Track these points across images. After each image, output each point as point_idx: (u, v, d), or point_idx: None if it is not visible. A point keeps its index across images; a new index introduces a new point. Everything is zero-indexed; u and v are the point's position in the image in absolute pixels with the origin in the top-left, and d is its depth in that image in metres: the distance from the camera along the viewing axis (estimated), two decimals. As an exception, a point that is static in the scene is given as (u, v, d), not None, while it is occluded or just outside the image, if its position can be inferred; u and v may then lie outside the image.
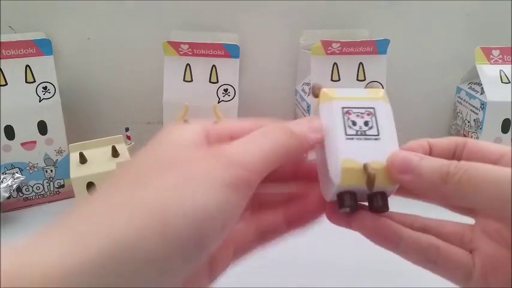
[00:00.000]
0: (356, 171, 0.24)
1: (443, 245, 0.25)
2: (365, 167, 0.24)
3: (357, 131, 0.26)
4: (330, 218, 0.27)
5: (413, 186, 0.23)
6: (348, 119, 0.26)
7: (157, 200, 0.19)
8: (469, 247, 0.25)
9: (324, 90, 0.27)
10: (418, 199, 0.28)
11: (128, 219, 0.18)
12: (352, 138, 0.25)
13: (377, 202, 0.25)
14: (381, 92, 0.28)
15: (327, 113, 0.26)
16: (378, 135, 0.26)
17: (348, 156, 0.25)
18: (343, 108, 0.27)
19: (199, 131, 0.23)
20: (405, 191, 0.25)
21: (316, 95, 0.28)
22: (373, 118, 0.27)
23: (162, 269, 0.18)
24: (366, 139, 0.26)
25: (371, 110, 0.27)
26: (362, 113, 0.27)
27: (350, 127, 0.26)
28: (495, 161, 0.23)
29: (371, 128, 0.26)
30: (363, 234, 0.26)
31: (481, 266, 0.24)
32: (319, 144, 0.27)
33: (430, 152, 0.26)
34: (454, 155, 0.25)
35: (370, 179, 0.24)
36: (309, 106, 0.48)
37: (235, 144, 0.22)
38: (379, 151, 0.25)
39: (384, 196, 0.25)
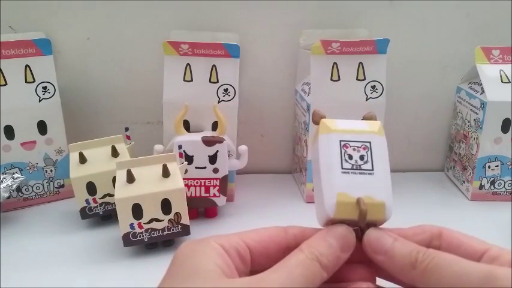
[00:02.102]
0: (349, 205, 0.26)
1: None
2: (358, 201, 0.25)
3: (353, 165, 0.27)
4: None
5: (385, 267, 0.25)
6: (345, 152, 0.27)
7: None
8: None
9: (324, 120, 0.28)
10: (389, 280, 0.28)
11: None
12: (348, 172, 0.27)
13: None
14: (377, 125, 0.29)
15: (326, 145, 0.27)
16: (372, 169, 0.27)
17: (343, 191, 0.26)
18: (341, 141, 0.28)
19: (220, 252, 0.24)
20: (377, 270, 0.27)
21: (316, 122, 0.29)
22: (369, 152, 0.27)
23: None
24: (360, 173, 0.27)
25: (367, 144, 0.28)
26: (358, 147, 0.28)
27: (346, 161, 0.27)
28: (477, 259, 0.24)
29: (366, 162, 0.27)
30: None
31: None
32: (316, 173, 0.28)
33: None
34: (430, 246, 0.26)
35: (361, 214, 0.25)
36: (308, 106, 0.48)
37: (272, 278, 0.22)
38: (372, 186, 0.26)
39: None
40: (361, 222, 0.26)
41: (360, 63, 0.47)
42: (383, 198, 0.26)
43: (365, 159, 0.27)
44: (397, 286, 0.27)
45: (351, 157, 0.27)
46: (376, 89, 0.48)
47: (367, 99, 0.48)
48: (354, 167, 0.27)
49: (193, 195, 0.46)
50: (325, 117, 0.29)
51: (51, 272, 0.39)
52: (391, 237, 0.25)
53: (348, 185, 0.26)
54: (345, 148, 0.28)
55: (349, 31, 0.52)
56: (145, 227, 0.40)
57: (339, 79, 0.47)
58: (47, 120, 0.49)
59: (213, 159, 0.45)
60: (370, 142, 0.28)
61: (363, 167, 0.27)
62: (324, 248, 0.24)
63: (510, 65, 0.51)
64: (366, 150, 0.28)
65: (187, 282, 0.22)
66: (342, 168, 0.27)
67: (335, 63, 0.47)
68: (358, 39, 0.47)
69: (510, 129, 0.50)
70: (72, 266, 0.40)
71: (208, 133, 0.47)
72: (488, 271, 0.22)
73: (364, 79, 0.48)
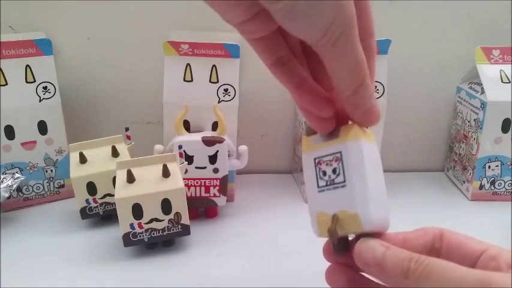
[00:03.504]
0: (328, 223, 0.26)
1: None
2: (332, 218, 0.26)
3: (327, 181, 0.27)
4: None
5: (378, 277, 0.25)
6: (320, 170, 0.27)
7: None
8: None
9: (303, 139, 0.28)
10: None
11: None
12: (324, 190, 0.27)
13: (340, 245, 0.27)
14: (351, 129, 0.26)
15: (305, 165, 0.28)
16: (344, 181, 0.26)
17: (321, 210, 0.27)
18: (315, 159, 0.27)
19: None
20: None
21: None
22: (340, 164, 0.26)
23: None
24: (334, 188, 0.26)
25: (338, 155, 0.27)
26: (330, 161, 0.27)
27: (321, 178, 0.27)
28: (475, 259, 0.24)
29: (338, 175, 0.26)
30: None
31: None
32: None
33: (405, 246, 0.26)
34: (433, 248, 0.26)
35: (330, 233, 0.26)
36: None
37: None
38: (345, 199, 0.26)
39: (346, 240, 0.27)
40: (331, 238, 0.26)
41: (360, 63, 0.47)
42: (356, 210, 0.25)
43: (337, 171, 0.26)
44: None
45: (324, 173, 0.27)
46: (377, 89, 0.48)
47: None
48: (328, 183, 0.26)
49: (193, 195, 0.46)
50: (315, 133, 0.28)
51: (51, 272, 0.39)
52: (382, 246, 0.24)
53: (324, 203, 0.26)
54: (319, 166, 0.27)
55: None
56: (146, 227, 0.40)
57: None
58: (47, 120, 0.49)
59: (213, 159, 0.45)
60: (340, 152, 0.26)
61: (335, 180, 0.26)
62: None
63: (510, 65, 0.51)
64: (337, 162, 0.26)
65: None
66: (318, 187, 0.27)
67: (335, 63, 0.47)
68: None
69: (510, 129, 0.50)
70: (72, 266, 0.40)
71: (209, 133, 0.47)
72: (483, 278, 0.21)
73: (364, 79, 0.48)
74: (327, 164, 0.27)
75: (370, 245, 0.25)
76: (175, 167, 0.41)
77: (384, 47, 0.47)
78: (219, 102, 0.48)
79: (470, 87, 0.54)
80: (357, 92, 0.23)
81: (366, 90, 0.24)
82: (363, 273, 0.28)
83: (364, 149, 0.26)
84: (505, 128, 0.50)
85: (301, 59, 0.27)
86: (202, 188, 0.46)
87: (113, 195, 0.39)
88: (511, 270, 0.23)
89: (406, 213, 0.41)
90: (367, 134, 0.27)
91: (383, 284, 0.26)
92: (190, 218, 0.41)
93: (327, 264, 0.37)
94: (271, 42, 0.26)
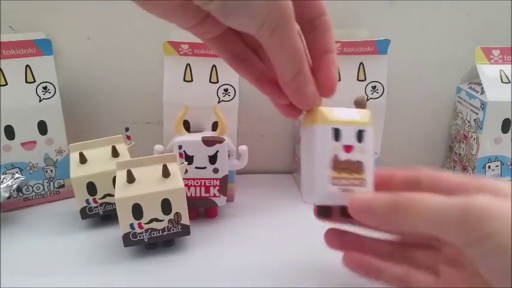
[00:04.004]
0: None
1: (414, 273, 0.30)
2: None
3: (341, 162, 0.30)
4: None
5: (371, 223, 0.27)
6: (336, 148, 0.30)
7: None
8: (434, 271, 0.29)
9: (321, 109, 0.30)
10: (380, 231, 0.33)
11: None
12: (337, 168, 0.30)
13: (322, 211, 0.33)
14: (367, 115, 0.31)
15: (321, 136, 0.30)
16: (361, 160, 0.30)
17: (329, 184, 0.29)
18: (334, 131, 0.30)
19: None
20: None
21: (361, 106, 0.32)
22: (358, 145, 0.30)
23: None
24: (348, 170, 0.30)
25: (359, 135, 0.30)
26: (351, 138, 0.30)
27: (338, 158, 0.30)
28: (453, 192, 0.26)
29: (354, 154, 0.30)
30: (351, 270, 0.33)
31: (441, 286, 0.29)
32: (308, 158, 0.31)
33: (391, 183, 0.30)
34: (414, 185, 0.29)
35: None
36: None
37: None
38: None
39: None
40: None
41: (361, 63, 0.47)
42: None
43: (353, 151, 0.30)
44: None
45: (343, 149, 0.30)
46: (377, 89, 0.48)
47: (367, 100, 0.48)
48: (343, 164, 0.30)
49: (193, 195, 0.46)
50: (365, 101, 0.32)
51: (51, 272, 0.39)
52: (370, 195, 0.28)
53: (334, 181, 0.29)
54: (336, 142, 0.30)
55: (350, 31, 0.52)
56: (146, 227, 0.40)
57: (339, 79, 0.47)
58: (47, 120, 0.49)
59: (213, 159, 0.45)
60: (364, 130, 0.30)
61: (352, 158, 0.30)
62: None
63: (510, 65, 0.51)
64: (357, 143, 0.30)
65: None
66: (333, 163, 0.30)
67: (335, 63, 0.47)
68: (358, 39, 0.47)
69: (510, 129, 0.50)
70: (72, 266, 0.40)
71: (208, 133, 0.47)
72: (463, 202, 0.24)
73: (365, 79, 0.48)
74: (345, 143, 0.30)
75: (358, 194, 0.28)
76: (175, 167, 0.41)
77: (383, 47, 0.47)
78: (219, 102, 0.48)
79: (470, 87, 0.54)
80: (295, 78, 0.26)
81: (304, 76, 0.26)
82: (353, 234, 0.33)
83: (302, 136, 0.31)
84: (505, 128, 0.50)
85: (260, 51, 0.29)
86: (202, 188, 0.46)
87: (113, 195, 0.39)
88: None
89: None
90: (319, 118, 0.30)
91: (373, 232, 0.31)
92: (190, 218, 0.41)
93: (327, 263, 0.38)
94: (225, 41, 0.28)
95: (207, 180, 0.46)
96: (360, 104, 0.33)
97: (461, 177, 0.28)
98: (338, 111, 0.30)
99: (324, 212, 0.34)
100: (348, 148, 0.30)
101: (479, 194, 0.24)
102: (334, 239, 0.34)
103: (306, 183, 0.32)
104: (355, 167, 0.30)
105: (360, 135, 0.31)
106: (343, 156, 0.30)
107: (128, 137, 0.48)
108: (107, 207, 0.46)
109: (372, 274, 0.32)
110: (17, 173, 0.48)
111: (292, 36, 0.24)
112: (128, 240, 0.40)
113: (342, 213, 0.31)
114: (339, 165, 0.30)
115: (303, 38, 0.27)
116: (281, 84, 0.27)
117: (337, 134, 0.30)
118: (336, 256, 0.41)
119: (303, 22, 0.27)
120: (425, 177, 0.29)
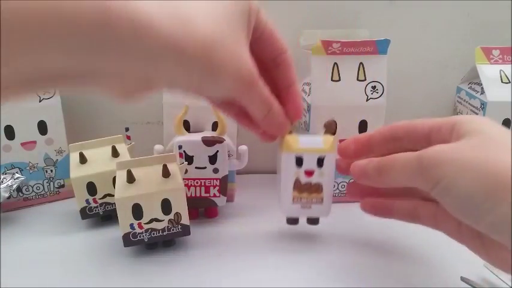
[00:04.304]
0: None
1: (421, 204, 0.34)
2: None
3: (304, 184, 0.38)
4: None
5: (367, 183, 0.34)
6: (298, 173, 0.38)
7: None
8: (435, 200, 0.31)
9: (287, 139, 0.37)
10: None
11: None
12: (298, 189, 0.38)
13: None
14: (330, 141, 0.37)
15: (286, 162, 0.37)
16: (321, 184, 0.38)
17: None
18: (296, 159, 0.37)
19: None
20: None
21: (331, 130, 0.38)
22: (319, 169, 0.38)
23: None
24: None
25: (320, 161, 0.38)
26: (312, 164, 0.37)
27: (299, 181, 0.38)
28: (427, 136, 0.32)
29: (314, 178, 0.38)
30: (368, 212, 0.38)
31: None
32: (279, 177, 0.39)
33: (371, 140, 0.36)
34: (395, 138, 0.35)
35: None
36: (309, 106, 0.48)
37: None
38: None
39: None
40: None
41: (361, 63, 0.47)
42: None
43: (315, 176, 0.38)
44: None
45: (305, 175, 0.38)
46: (377, 89, 0.48)
47: (367, 100, 0.48)
48: (305, 187, 0.38)
49: (193, 195, 0.46)
50: (335, 126, 0.38)
51: (51, 272, 0.39)
52: (364, 161, 0.34)
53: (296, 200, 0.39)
54: (299, 166, 0.37)
55: (350, 31, 0.52)
56: (146, 227, 0.40)
57: (339, 79, 0.47)
58: (47, 120, 0.49)
59: (213, 159, 0.45)
60: (324, 157, 0.37)
61: (313, 183, 0.38)
62: None
63: (510, 65, 0.51)
64: (318, 168, 0.37)
65: None
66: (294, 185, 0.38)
67: (335, 63, 0.47)
68: (358, 39, 0.47)
69: (510, 129, 0.50)
70: (72, 266, 0.40)
71: (208, 133, 0.47)
72: (419, 154, 0.29)
73: (365, 79, 0.48)
74: (306, 170, 0.38)
75: (356, 163, 0.35)
76: (175, 167, 0.41)
77: (382, 47, 0.47)
78: (219, 102, 0.48)
79: (470, 87, 0.54)
80: (266, 117, 0.32)
81: (273, 114, 0.32)
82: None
83: (277, 159, 0.39)
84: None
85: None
86: (202, 188, 0.46)
87: (113, 195, 0.39)
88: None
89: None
90: (284, 147, 0.37)
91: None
92: (190, 218, 0.41)
93: (327, 264, 0.37)
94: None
95: (207, 180, 0.46)
96: (328, 127, 0.38)
97: (434, 120, 0.33)
98: (303, 140, 0.37)
99: (291, 221, 0.42)
100: (309, 173, 0.37)
101: (430, 147, 0.29)
102: (355, 189, 0.39)
103: (279, 198, 0.40)
104: (315, 188, 0.38)
105: (320, 161, 0.37)
106: (304, 180, 0.37)
107: (128, 137, 0.48)
108: (107, 207, 0.46)
109: (385, 213, 0.37)
110: (17, 173, 0.48)
111: (258, 93, 0.30)
112: (127, 240, 0.40)
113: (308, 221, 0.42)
114: (300, 187, 0.38)
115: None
116: (256, 121, 0.33)
117: (299, 161, 0.37)
118: (335, 255, 0.41)
119: (267, 61, 0.33)
120: (402, 129, 0.34)
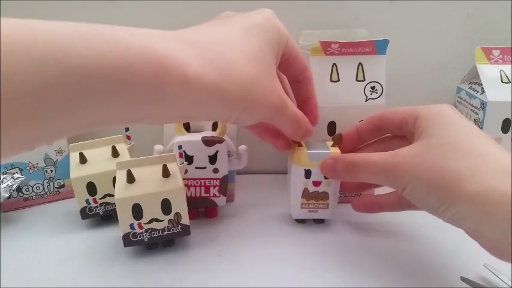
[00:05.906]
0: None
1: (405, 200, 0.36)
2: None
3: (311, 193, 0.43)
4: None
5: (336, 179, 0.41)
6: (306, 183, 0.42)
7: None
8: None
9: (298, 152, 0.41)
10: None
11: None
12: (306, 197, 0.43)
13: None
14: (336, 154, 0.41)
15: (296, 174, 0.42)
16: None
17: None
18: (305, 171, 0.42)
19: None
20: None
21: (338, 143, 0.42)
22: (325, 180, 0.42)
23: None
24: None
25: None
26: (319, 176, 0.42)
27: (307, 190, 0.43)
28: (399, 126, 0.38)
29: (321, 187, 0.43)
30: (360, 211, 0.43)
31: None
32: (289, 181, 0.44)
33: (359, 132, 0.42)
34: (379, 128, 0.40)
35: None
36: (308, 106, 0.48)
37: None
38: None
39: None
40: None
41: (360, 64, 0.47)
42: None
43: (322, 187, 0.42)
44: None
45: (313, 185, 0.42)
46: (376, 89, 0.48)
47: (366, 100, 0.48)
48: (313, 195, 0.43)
49: (193, 195, 0.46)
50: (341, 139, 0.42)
51: (51, 272, 0.39)
52: (334, 159, 0.40)
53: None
54: (307, 178, 0.42)
55: (349, 31, 0.52)
56: (146, 227, 0.40)
57: (338, 80, 0.47)
58: (47, 120, 0.49)
59: (213, 159, 0.45)
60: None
61: (320, 191, 0.43)
62: None
63: (510, 65, 0.51)
64: (324, 177, 0.42)
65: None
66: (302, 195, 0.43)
67: (334, 64, 0.47)
68: (358, 39, 0.47)
69: (510, 129, 0.50)
70: (72, 266, 0.40)
71: (208, 133, 0.47)
72: (386, 159, 0.34)
73: (364, 80, 0.48)
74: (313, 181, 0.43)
75: (328, 161, 0.40)
76: (175, 167, 0.41)
77: (381, 47, 0.47)
78: (218, 102, 0.48)
79: (470, 87, 0.54)
80: (296, 131, 0.37)
81: (301, 127, 0.37)
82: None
83: (288, 166, 0.44)
84: (505, 128, 0.50)
85: None
86: (202, 188, 0.46)
87: (113, 195, 0.39)
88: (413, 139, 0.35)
89: (407, 213, 0.41)
90: (295, 160, 0.42)
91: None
92: (190, 218, 0.41)
93: (327, 264, 0.37)
94: None
95: (207, 180, 0.46)
96: (335, 140, 0.42)
97: (402, 110, 0.37)
98: (312, 153, 0.41)
99: (299, 221, 0.46)
100: (317, 184, 0.42)
101: (399, 150, 0.34)
102: (350, 186, 0.44)
103: (288, 198, 0.45)
104: (322, 196, 0.43)
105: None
106: (312, 189, 0.42)
107: (128, 137, 0.48)
108: (107, 207, 0.46)
109: (376, 208, 0.42)
110: (17, 173, 0.48)
111: (288, 114, 0.34)
112: (127, 240, 0.40)
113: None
114: (308, 195, 0.43)
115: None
116: (287, 136, 0.38)
117: (308, 173, 0.42)
118: (334, 256, 0.41)
119: (290, 77, 0.39)
120: (378, 121, 0.40)
